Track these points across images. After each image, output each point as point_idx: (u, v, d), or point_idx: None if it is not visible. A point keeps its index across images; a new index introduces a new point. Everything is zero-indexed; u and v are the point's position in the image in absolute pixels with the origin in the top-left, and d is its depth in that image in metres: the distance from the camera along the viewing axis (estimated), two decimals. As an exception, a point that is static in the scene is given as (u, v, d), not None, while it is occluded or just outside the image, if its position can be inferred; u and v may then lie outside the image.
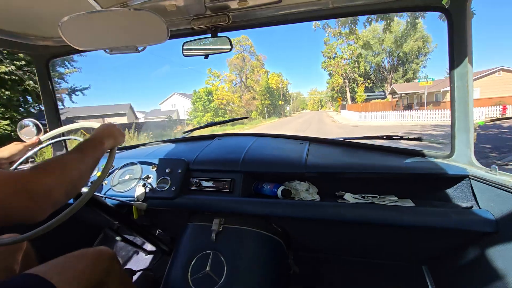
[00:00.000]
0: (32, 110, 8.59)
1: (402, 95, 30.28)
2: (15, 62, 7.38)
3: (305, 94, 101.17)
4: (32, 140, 1.04)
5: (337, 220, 1.00)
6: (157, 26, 0.86)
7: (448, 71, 1.02)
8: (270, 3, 1.04)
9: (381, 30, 37.65)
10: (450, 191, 1.05)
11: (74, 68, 10.64)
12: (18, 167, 1.06)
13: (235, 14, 1.10)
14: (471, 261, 0.95)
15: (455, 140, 1.04)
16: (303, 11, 1.09)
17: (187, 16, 1.11)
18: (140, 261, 1.64)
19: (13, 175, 0.53)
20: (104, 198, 1.17)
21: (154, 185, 1.20)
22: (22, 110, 8.33)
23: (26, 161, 1.07)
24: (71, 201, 0.81)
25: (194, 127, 1.89)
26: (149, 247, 1.60)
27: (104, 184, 1.29)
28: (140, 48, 0.98)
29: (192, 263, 0.99)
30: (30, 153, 1.05)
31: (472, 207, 0.95)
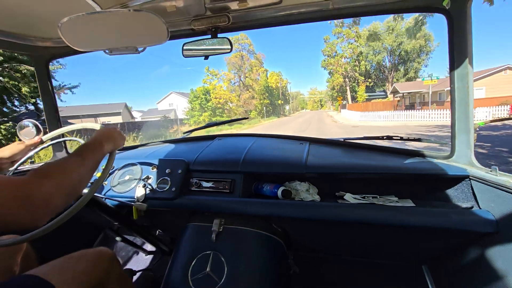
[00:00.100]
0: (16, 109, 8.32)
1: (404, 94, 29.76)
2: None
3: (304, 93, 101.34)
4: (34, 140, 1.05)
5: (337, 220, 1.00)
6: (157, 27, 0.86)
7: (448, 72, 1.03)
8: (270, 4, 1.05)
9: (382, 28, 37.56)
10: (450, 192, 1.06)
11: (60, 64, 10.40)
12: (19, 168, 1.07)
13: (235, 15, 1.10)
14: (471, 261, 0.96)
15: (456, 140, 1.05)
16: (303, 12, 1.09)
17: (187, 17, 1.11)
18: (140, 262, 1.65)
19: (12, 181, 0.53)
20: (104, 198, 1.18)
21: (154, 186, 1.21)
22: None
23: (26, 161, 1.07)
24: None
25: (192, 127, 1.90)
26: (149, 247, 1.60)
27: (104, 184, 1.29)
28: (140, 49, 0.99)
29: (193, 263, 1.00)
30: (31, 153, 1.06)
31: (472, 207, 0.95)
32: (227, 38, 1.14)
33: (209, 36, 1.16)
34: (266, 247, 1.09)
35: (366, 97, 40.69)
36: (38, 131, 1.05)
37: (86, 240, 1.74)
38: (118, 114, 30.29)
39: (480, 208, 0.94)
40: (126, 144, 1.30)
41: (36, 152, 1.10)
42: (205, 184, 1.20)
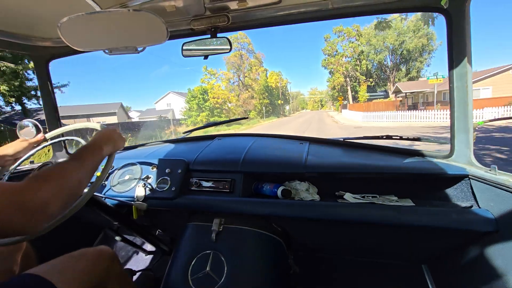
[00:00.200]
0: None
1: (407, 94, 29.13)
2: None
3: (305, 93, 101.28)
4: (37, 137, 1.06)
5: (337, 220, 1.01)
6: (157, 26, 0.87)
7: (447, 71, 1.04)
8: (269, 4, 1.05)
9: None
10: (450, 191, 1.07)
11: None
12: (18, 167, 1.08)
13: (234, 14, 1.11)
14: (471, 261, 0.96)
15: (455, 140, 1.06)
16: (303, 11, 1.10)
17: (187, 17, 1.12)
18: (140, 261, 1.66)
19: (8, 187, 0.52)
20: (104, 198, 1.18)
21: (154, 185, 1.21)
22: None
23: (28, 159, 1.08)
24: None
25: (189, 127, 1.90)
26: (149, 247, 1.61)
27: (103, 184, 1.30)
28: (139, 49, 0.99)
29: (192, 263, 1.01)
30: (34, 151, 1.07)
31: (471, 206, 0.96)
32: (227, 38, 1.15)
33: (209, 36, 1.16)
34: (266, 247, 1.10)
35: (368, 97, 40.40)
36: (38, 131, 1.06)
37: (86, 240, 1.75)
38: (113, 114, 29.53)
39: (479, 207, 0.94)
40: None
41: (39, 150, 1.11)
42: (205, 183, 1.21)
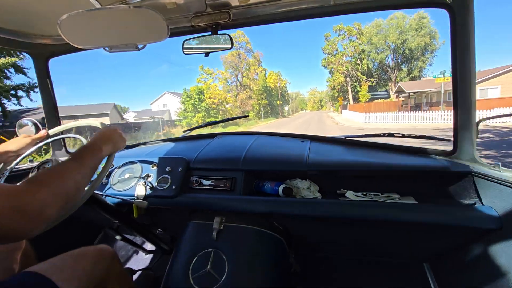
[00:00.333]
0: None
1: (410, 94, 27.97)
2: None
3: (304, 94, 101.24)
4: (41, 134, 1.06)
5: (338, 218, 1.01)
6: (157, 24, 0.87)
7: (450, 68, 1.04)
8: (270, 0, 1.05)
9: (385, 25, 36.86)
10: (453, 188, 1.07)
11: (21, 56, 9.57)
12: (16, 166, 1.08)
13: (235, 11, 1.10)
14: (473, 258, 0.96)
15: (458, 137, 1.06)
16: (304, 8, 1.10)
17: (187, 14, 1.12)
18: (140, 261, 1.66)
19: (4, 189, 0.50)
20: (104, 196, 1.18)
21: (154, 184, 1.21)
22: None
23: (29, 156, 1.09)
24: None
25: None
26: (149, 246, 1.61)
27: (104, 182, 1.30)
28: (140, 46, 0.99)
29: (193, 261, 1.01)
30: (36, 147, 1.07)
31: (475, 204, 0.96)
32: (228, 35, 1.15)
33: (210, 33, 1.16)
34: (267, 245, 1.10)
35: (369, 97, 40.06)
36: (37, 130, 1.06)
37: (86, 239, 1.75)
38: (105, 115, 27.95)
39: (483, 205, 0.94)
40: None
41: (41, 146, 1.11)
42: (205, 182, 1.21)
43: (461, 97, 1.01)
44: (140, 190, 1.18)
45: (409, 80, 36.56)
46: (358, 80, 41.70)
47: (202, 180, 1.22)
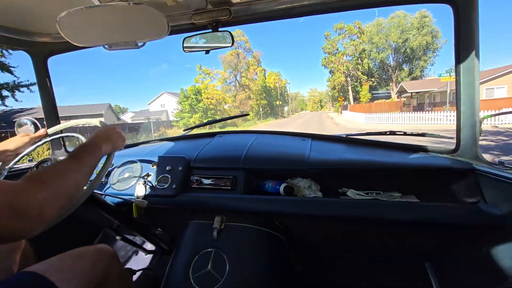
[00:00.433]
0: None
1: (413, 94, 27.19)
2: None
3: (304, 94, 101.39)
4: (40, 132, 1.06)
5: (340, 216, 1.01)
6: (157, 21, 0.87)
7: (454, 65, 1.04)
8: (271, -4, 1.05)
9: (386, 24, 36.49)
10: (456, 186, 1.06)
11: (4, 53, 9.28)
12: (15, 166, 1.08)
13: (236, 8, 1.10)
14: (476, 257, 0.96)
15: (461, 135, 1.05)
16: (305, 4, 1.10)
17: (188, 11, 1.12)
18: (140, 261, 1.66)
19: (3, 186, 0.49)
20: (103, 196, 1.18)
21: (154, 183, 1.21)
22: None
23: (28, 155, 1.09)
24: None
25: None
26: (149, 246, 1.61)
27: (103, 182, 1.30)
28: (139, 44, 0.99)
29: (194, 261, 1.01)
30: (35, 146, 1.07)
31: (478, 202, 0.96)
32: (229, 32, 1.15)
33: (210, 30, 1.16)
34: (268, 244, 1.09)
35: (370, 97, 39.80)
36: (37, 129, 1.06)
37: (86, 239, 1.75)
38: (99, 116, 27.19)
39: (486, 203, 0.94)
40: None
41: (39, 146, 1.11)
42: (206, 181, 1.21)
43: (464, 94, 1.01)
44: (140, 190, 1.17)
45: (411, 80, 36.14)
46: (358, 80, 41.49)
47: (202, 179, 1.22)
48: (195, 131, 1.85)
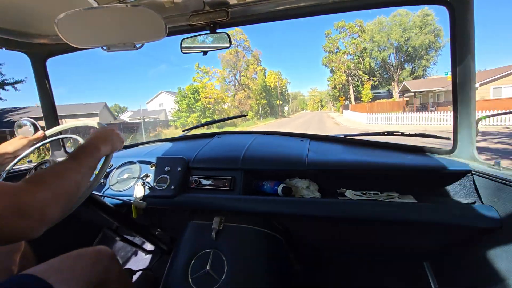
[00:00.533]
0: None
1: (416, 93, 26.00)
2: None
3: (305, 93, 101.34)
4: (38, 135, 1.07)
5: (338, 217, 1.02)
6: (155, 22, 0.88)
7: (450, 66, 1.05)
8: (268, -2, 1.07)
9: (388, 22, 36.07)
10: (453, 187, 1.08)
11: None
12: (14, 167, 1.09)
13: (233, 10, 1.11)
14: (473, 257, 0.97)
15: (457, 135, 1.07)
16: (303, 6, 1.11)
17: (185, 12, 1.13)
18: (139, 261, 1.67)
19: (4, 187, 0.50)
20: (102, 197, 1.20)
21: (153, 184, 1.23)
22: None
23: (27, 157, 1.10)
24: None
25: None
26: (148, 246, 1.62)
27: (102, 183, 1.32)
28: (138, 45, 1.00)
29: (192, 262, 1.02)
30: (33, 148, 1.08)
31: (475, 202, 0.97)
32: (226, 33, 1.16)
33: (208, 32, 1.17)
34: (266, 245, 1.11)
35: (372, 97, 39.37)
36: (36, 130, 1.08)
37: (85, 240, 1.76)
38: (94, 115, 26.43)
39: (482, 203, 0.95)
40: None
41: (38, 147, 1.12)
42: (204, 181, 1.22)
43: (461, 95, 1.02)
44: (139, 191, 1.19)
45: (412, 79, 35.59)
46: (360, 79, 41.08)
47: (201, 179, 1.23)
48: (194, 132, 1.87)
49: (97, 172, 0.82)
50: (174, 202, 1.18)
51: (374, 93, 41.04)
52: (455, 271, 1.07)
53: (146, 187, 1.22)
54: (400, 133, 1.32)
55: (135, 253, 1.74)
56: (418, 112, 16.81)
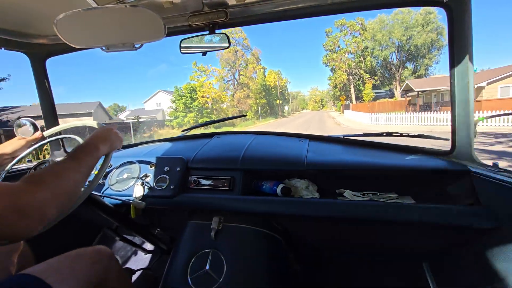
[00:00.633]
0: None
1: (419, 92, 25.35)
2: None
3: (305, 93, 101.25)
4: (35, 135, 1.08)
5: (336, 217, 1.03)
6: (154, 23, 0.89)
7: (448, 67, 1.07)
8: (267, -2, 1.08)
9: (390, 20, 35.61)
10: (451, 188, 1.09)
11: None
12: (14, 166, 1.10)
13: (232, 10, 1.13)
14: (472, 258, 0.99)
15: (456, 137, 1.08)
16: (301, 7, 1.12)
17: (184, 13, 1.14)
18: (139, 261, 1.69)
19: (2, 188, 0.51)
20: (102, 197, 1.21)
21: (153, 184, 1.24)
22: None
23: (26, 157, 1.11)
24: None
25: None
26: (148, 246, 1.64)
27: (102, 183, 1.33)
28: (137, 46, 1.01)
29: (192, 262, 1.03)
30: (32, 149, 1.10)
31: (473, 203, 0.98)
32: (225, 34, 1.17)
33: (207, 32, 1.18)
34: (265, 245, 1.12)
35: (374, 96, 39.11)
36: (35, 129, 1.09)
37: (85, 240, 1.78)
38: (88, 115, 25.59)
39: (481, 204, 0.96)
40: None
41: (36, 148, 1.14)
42: (204, 182, 1.24)
43: (459, 96, 1.03)
44: (138, 191, 1.20)
45: (414, 79, 35.00)
46: (361, 78, 40.77)
47: (200, 180, 1.24)
48: (193, 132, 1.89)
49: (96, 172, 0.83)
50: (174, 202, 1.19)
51: (377, 92, 40.72)
52: (453, 271, 1.08)
53: (146, 187, 1.23)
54: (399, 134, 1.34)
55: (135, 253, 1.75)
56: (422, 112, 16.32)
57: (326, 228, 1.22)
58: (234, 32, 35.81)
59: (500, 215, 0.87)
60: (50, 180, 0.59)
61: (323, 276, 1.43)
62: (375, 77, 41.80)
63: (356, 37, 39.53)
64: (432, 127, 13.90)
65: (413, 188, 1.14)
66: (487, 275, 0.89)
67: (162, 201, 1.20)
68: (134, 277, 1.42)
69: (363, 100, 39.11)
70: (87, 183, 0.92)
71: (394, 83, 40.19)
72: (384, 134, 1.37)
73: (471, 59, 0.99)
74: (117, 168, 1.38)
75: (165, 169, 1.27)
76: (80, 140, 1.11)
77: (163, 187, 1.22)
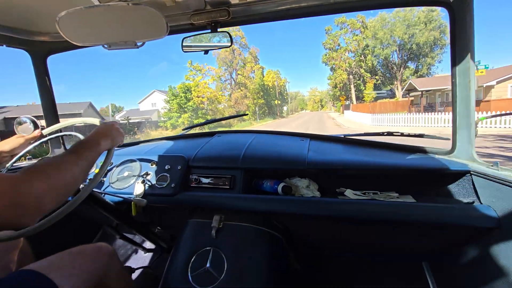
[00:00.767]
0: None
1: (423, 92, 23.97)
2: None
3: (304, 93, 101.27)
4: (34, 134, 1.10)
5: (337, 216, 1.04)
6: (156, 21, 0.90)
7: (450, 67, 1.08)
8: (270, -3, 1.09)
9: (391, 18, 35.02)
10: (451, 187, 1.11)
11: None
12: (15, 164, 1.11)
13: (235, 9, 1.14)
14: (472, 257, 1.00)
15: (457, 136, 1.09)
16: (304, 6, 1.13)
17: (187, 11, 1.15)
18: (139, 259, 1.70)
19: (1, 178, 0.52)
20: (103, 194, 1.22)
21: (153, 182, 1.25)
22: None
23: (25, 155, 1.12)
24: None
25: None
26: (148, 244, 1.65)
27: (102, 181, 1.34)
28: (139, 44, 1.02)
29: (192, 260, 1.04)
30: (31, 147, 1.11)
31: (473, 203, 0.99)
32: (227, 32, 1.18)
33: (209, 31, 1.20)
34: (266, 244, 1.13)
35: (375, 96, 38.78)
36: (36, 127, 1.10)
37: (85, 237, 1.79)
38: (78, 115, 25.02)
39: (481, 204, 0.98)
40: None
41: (35, 146, 1.15)
42: (204, 180, 1.25)
43: (460, 96, 1.05)
44: (139, 189, 1.21)
45: (416, 78, 34.15)
46: (361, 78, 40.38)
47: (201, 178, 1.25)
48: (194, 131, 1.90)
49: (97, 170, 0.85)
50: (174, 200, 1.20)
51: (378, 92, 40.35)
52: (453, 271, 1.10)
53: (146, 185, 1.24)
54: (399, 133, 1.36)
55: (135, 251, 1.77)
56: (427, 113, 15.63)
57: (327, 227, 1.24)
58: (232, 31, 34.91)
59: (500, 214, 0.88)
60: (49, 171, 0.60)
61: (323, 275, 1.45)
62: (376, 77, 41.37)
63: (356, 35, 39.06)
64: (440, 129, 12.93)
65: (414, 187, 1.16)
66: (487, 274, 0.90)
67: (163, 199, 1.21)
68: (134, 275, 1.43)
69: (363, 100, 38.74)
70: (87, 181, 0.94)
71: (395, 83, 39.77)
72: (385, 133, 1.39)
73: (472, 59, 1.00)
74: (118, 166, 1.39)
75: (166, 167, 1.28)
76: (81, 137, 1.13)
77: (164, 185, 1.23)
